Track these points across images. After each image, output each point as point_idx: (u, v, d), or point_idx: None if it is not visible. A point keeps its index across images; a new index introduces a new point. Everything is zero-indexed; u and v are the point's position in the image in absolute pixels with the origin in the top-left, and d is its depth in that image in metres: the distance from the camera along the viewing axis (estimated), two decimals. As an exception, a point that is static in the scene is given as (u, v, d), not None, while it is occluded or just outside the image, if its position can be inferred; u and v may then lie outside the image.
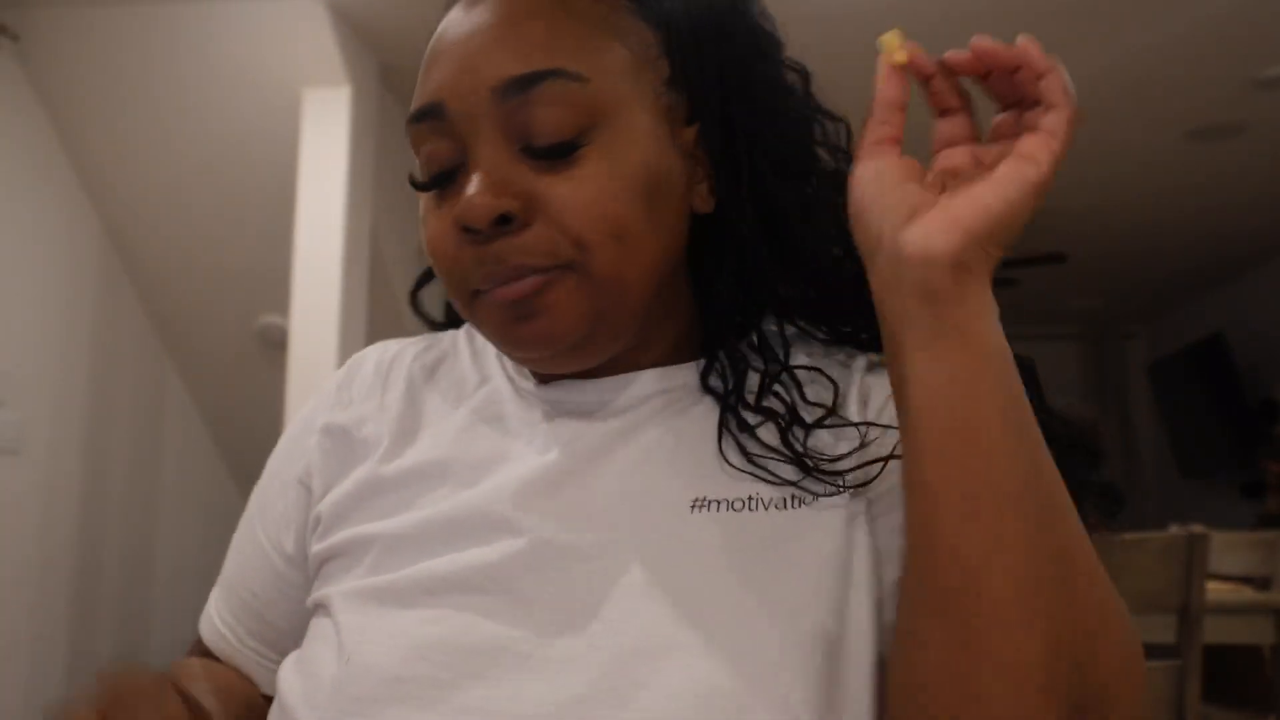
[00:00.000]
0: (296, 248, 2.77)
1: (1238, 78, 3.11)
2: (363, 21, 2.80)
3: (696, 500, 0.54)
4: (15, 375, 2.80)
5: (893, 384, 0.48)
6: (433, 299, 0.72)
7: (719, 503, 0.54)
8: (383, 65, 2.98)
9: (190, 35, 2.77)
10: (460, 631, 0.51)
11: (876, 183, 0.48)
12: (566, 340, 0.54)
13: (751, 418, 0.56)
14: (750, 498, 0.54)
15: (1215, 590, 2.33)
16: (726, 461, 0.55)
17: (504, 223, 0.52)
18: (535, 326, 0.53)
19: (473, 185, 0.52)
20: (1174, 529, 1.91)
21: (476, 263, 0.53)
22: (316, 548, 0.61)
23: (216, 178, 3.02)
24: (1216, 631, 2.22)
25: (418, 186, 0.57)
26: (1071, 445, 0.57)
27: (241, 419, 3.54)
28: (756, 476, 0.54)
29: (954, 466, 0.45)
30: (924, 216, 0.45)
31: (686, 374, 0.59)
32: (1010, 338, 0.57)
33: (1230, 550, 2.53)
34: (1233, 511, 5.03)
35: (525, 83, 0.52)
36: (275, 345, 3.24)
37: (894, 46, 0.50)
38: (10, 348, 2.79)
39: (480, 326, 0.57)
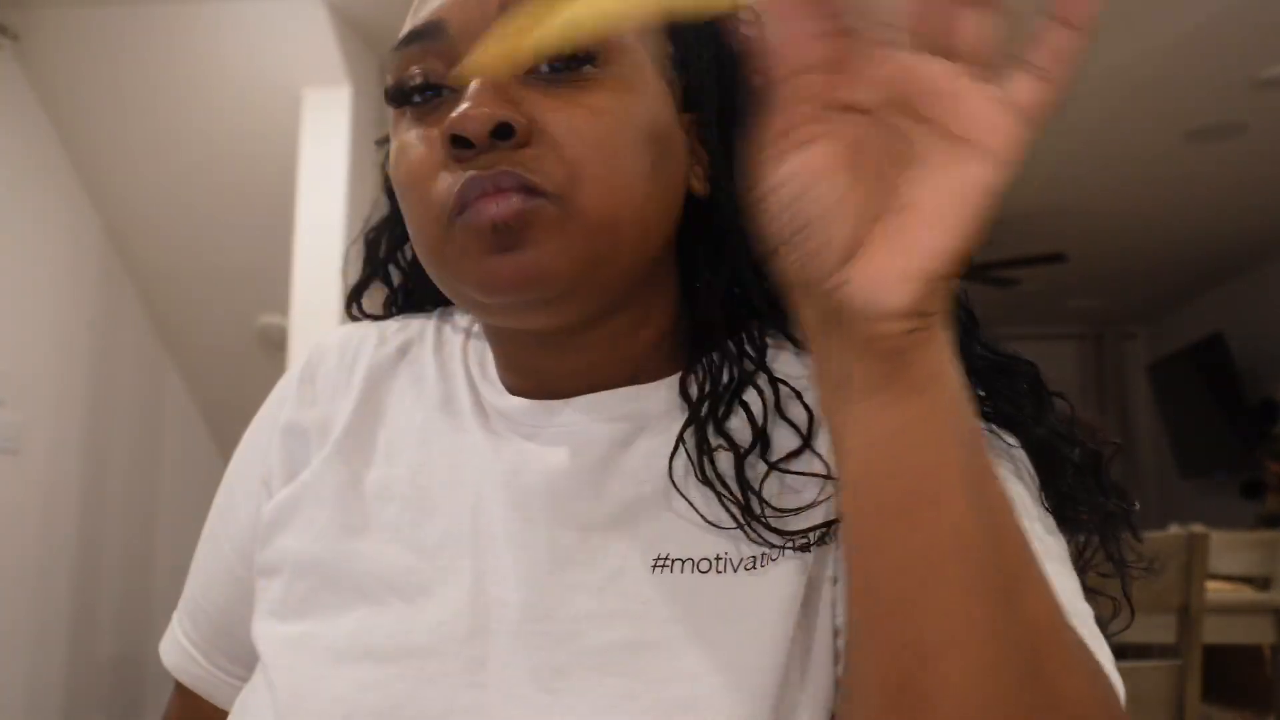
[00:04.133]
0: (296, 248, 2.77)
1: (1238, 78, 3.11)
2: (363, 21, 2.80)
3: (659, 559, 0.48)
4: (15, 375, 2.80)
5: (831, 431, 0.39)
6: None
7: (683, 562, 0.48)
8: (383, 65, 2.98)
9: (190, 35, 2.77)
10: (403, 701, 0.47)
11: (803, 199, 0.35)
12: (551, 285, 0.47)
13: (714, 437, 0.51)
14: (718, 557, 0.48)
15: (1215, 590, 2.33)
16: (675, 489, 0.50)
17: (502, 137, 0.46)
18: (519, 260, 0.46)
19: (468, 99, 0.46)
20: (1174, 529, 1.91)
21: (459, 178, 0.47)
22: (258, 556, 0.57)
23: (216, 178, 3.02)
24: (1216, 631, 2.22)
25: (397, 99, 0.51)
26: (1086, 467, 0.53)
27: (241, 419, 3.48)
28: (696, 510, 0.49)
29: (905, 535, 0.36)
30: (867, 256, 0.34)
31: (661, 392, 0.54)
32: (1010, 338, 0.56)
33: (1230, 550, 2.53)
34: (1233, 511, 5.03)
35: None
36: (275, 345, 3.24)
37: None
38: (10, 348, 2.79)
39: (453, 261, 0.49)
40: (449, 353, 0.60)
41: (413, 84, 0.50)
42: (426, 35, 0.50)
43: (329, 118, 2.79)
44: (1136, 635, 0.55)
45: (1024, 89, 0.33)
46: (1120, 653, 0.47)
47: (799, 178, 0.35)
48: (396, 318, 0.65)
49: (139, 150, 3.00)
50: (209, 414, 3.62)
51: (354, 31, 2.84)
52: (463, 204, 0.47)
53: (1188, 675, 1.73)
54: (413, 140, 0.50)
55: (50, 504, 2.94)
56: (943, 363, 0.37)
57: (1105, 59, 2.99)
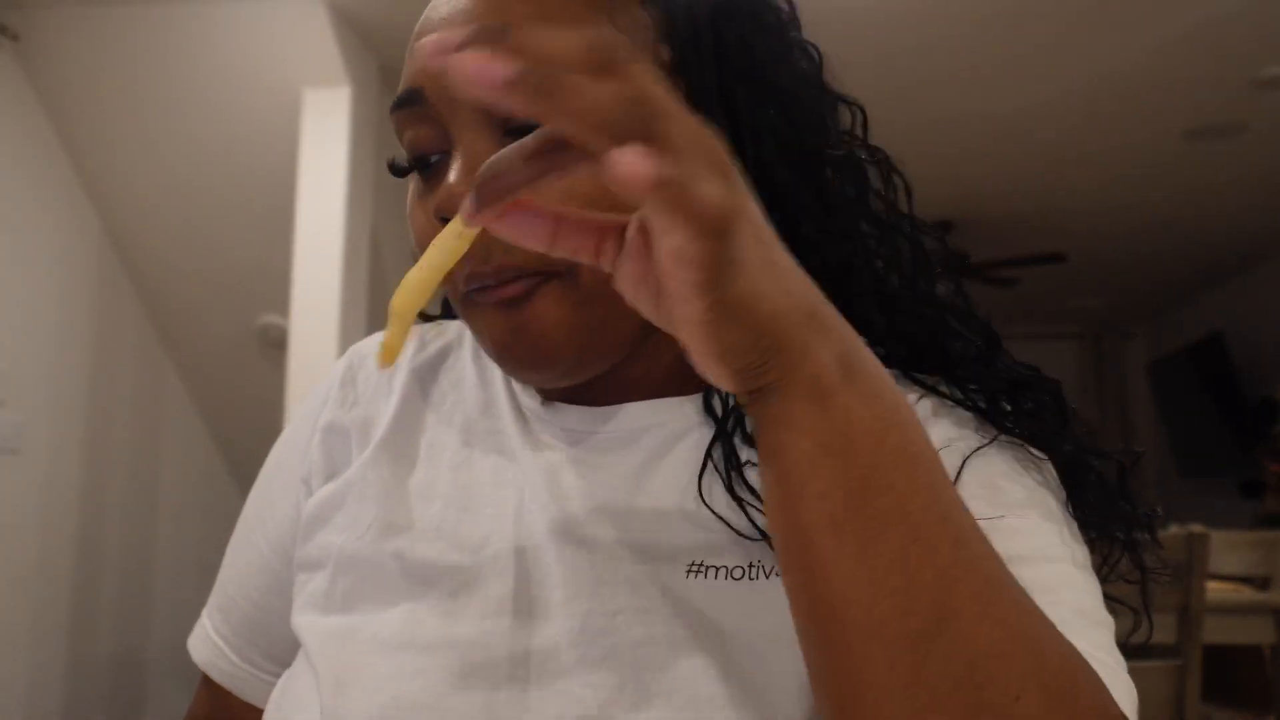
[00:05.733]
0: (296, 248, 2.77)
1: (1238, 78, 3.12)
2: (363, 21, 2.80)
3: (693, 565, 0.49)
4: (15, 375, 2.80)
5: None
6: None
7: (716, 569, 0.49)
8: (383, 65, 2.98)
9: (190, 35, 2.77)
10: (443, 691, 0.48)
11: (645, 312, 0.38)
12: (557, 364, 0.51)
13: (742, 451, 0.51)
14: (751, 564, 0.49)
15: (1215, 590, 2.33)
16: (704, 502, 0.51)
17: None
18: (524, 348, 0.50)
19: (453, 173, 0.49)
20: (1174, 529, 1.91)
21: (462, 260, 0.48)
22: (299, 551, 0.59)
23: (216, 178, 3.02)
24: (1216, 631, 2.22)
25: (395, 170, 0.54)
26: (1110, 478, 0.53)
27: (241, 419, 3.54)
28: (726, 524, 0.49)
29: (795, 592, 0.37)
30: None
31: (695, 403, 0.55)
32: (1010, 338, 0.56)
33: (1230, 550, 2.53)
34: (1233, 511, 5.03)
35: None
36: (275, 345, 3.24)
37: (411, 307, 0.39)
38: (10, 348, 2.79)
39: (476, 334, 0.54)
40: (487, 359, 0.62)
41: (408, 160, 0.53)
42: (409, 102, 0.52)
43: (329, 118, 2.79)
44: (1136, 635, 0.55)
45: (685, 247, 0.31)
46: (1120, 652, 0.48)
47: (629, 297, 0.38)
48: (433, 323, 0.67)
49: (139, 150, 3.00)
50: (209, 414, 3.62)
51: (354, 31, 2.84)
52: (469, 290, 0.51)
53: (1188, 675, 1.73)
54: (415, 208, 0.54)
55: (50, 504, 2.94)
56: (793, 427, 0.35)
57: (1105, 59, 2.99)
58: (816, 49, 0.58)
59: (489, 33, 0.29)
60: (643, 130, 0.30)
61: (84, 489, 3.07)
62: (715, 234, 0.31)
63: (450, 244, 0.39)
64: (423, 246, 0.52)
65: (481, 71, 0.29)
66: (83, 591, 3.07)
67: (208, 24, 2.74)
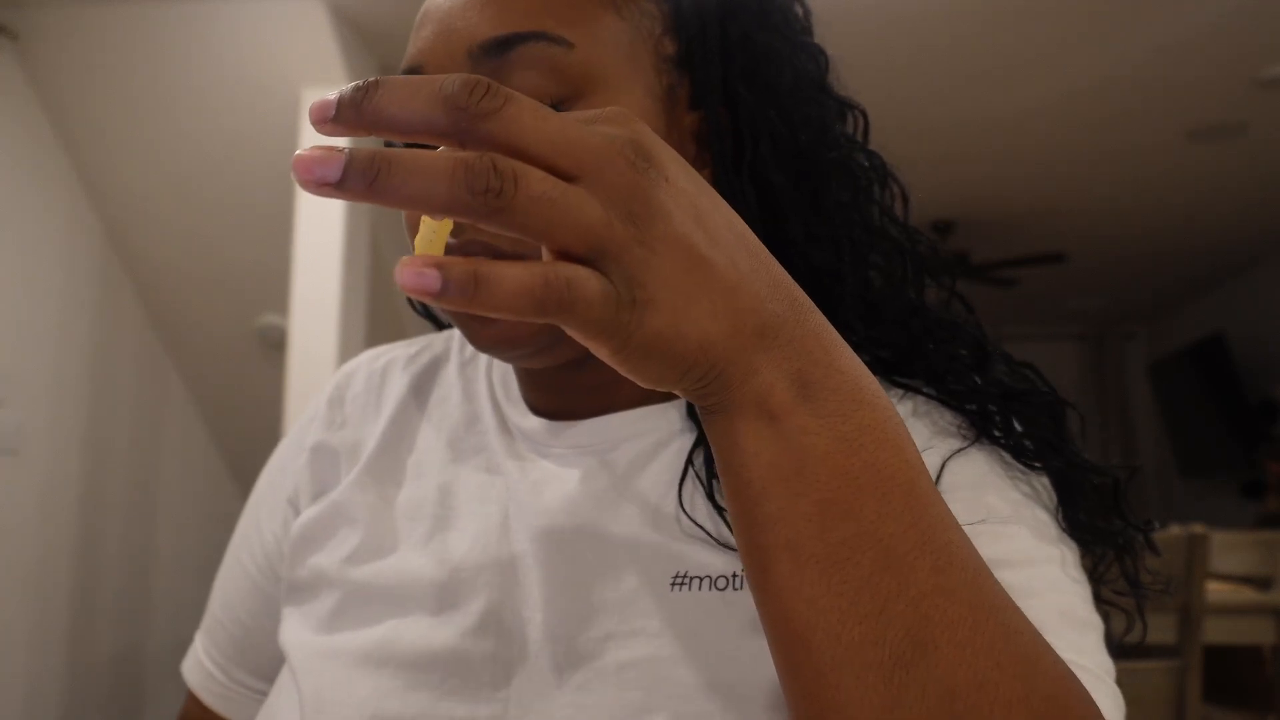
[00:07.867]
0: (296, 248, 2.77)
1: (1238, 78, 3.12)
2: (363, 21, 2.80)
3: (677, 576, 0.49)
4: (15, 375, 2.80)
5: None
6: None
7: (700, 579, 0.48)
8: (383, 65, 2.98)
9: (190, 35, 2.77)
10: (425, 709, 0.49)
11: None
12: (527, 344, 0.50)
13: None
14: (735, 574, 0.48)
15: (1215, 590, 2.33)
16: (684, 512, 0.50)
17: None
18: (491, 331, 0.49)
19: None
20: (1174, 529, 1.91)
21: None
22: (288, 573, 0.59)
23: (216, 177, 3.02)
24: (1216, 631, 2.23)
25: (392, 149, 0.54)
26: (1104, 493, 0.52)
27: (241, 419, 3.53)
28: (707, 533, 0.49)
29: (760, 611, 0.35)
30: None
31: (675, 411, 0.54)
32: (1010, 338, 0.56)
33: (1230, 550, 2.53)
34: (1233, 511, 5.04)
35: (502, 45, 0.48)
36: (275, 345, 3.24)
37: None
38: (10, 348, 2.79)
39: (448, 314, 0.53)
40: (473, 373, 0.62)
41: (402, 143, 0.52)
42: None
43: (329, 118, 2.79)
44: (1130, 635, 0.55)
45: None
46: (1121, 653, 0.47)
47: None
48: (415, 340, 0.67)
49: (138, 150, 3.00)
50: (209, 414, 3.62)
51: (354, 31, 2.84)
52: None
53: (1188, 675, 1.73)
54: None
55: (50, 504, 2.94)
56: (739, 450, 0.34)
57: (1106, 60, 2.99)
58: (823, 52, 0.57)
59: (353, 98, 0.30)
60: (483, 206, 0.29)
61: (84, 489, 3.07)
62: (558, 310, 0.29)
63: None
64: (410, 222, 0.52)
65: (311, 174, 0.29)
66: (83, 591, 3.07)
67: (207, 24, 2.74)
